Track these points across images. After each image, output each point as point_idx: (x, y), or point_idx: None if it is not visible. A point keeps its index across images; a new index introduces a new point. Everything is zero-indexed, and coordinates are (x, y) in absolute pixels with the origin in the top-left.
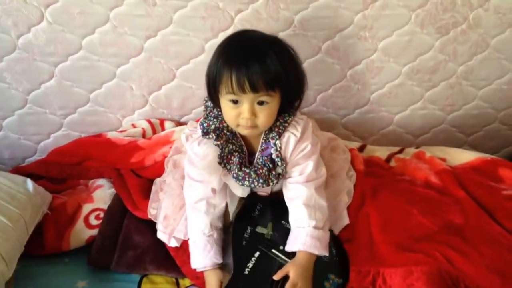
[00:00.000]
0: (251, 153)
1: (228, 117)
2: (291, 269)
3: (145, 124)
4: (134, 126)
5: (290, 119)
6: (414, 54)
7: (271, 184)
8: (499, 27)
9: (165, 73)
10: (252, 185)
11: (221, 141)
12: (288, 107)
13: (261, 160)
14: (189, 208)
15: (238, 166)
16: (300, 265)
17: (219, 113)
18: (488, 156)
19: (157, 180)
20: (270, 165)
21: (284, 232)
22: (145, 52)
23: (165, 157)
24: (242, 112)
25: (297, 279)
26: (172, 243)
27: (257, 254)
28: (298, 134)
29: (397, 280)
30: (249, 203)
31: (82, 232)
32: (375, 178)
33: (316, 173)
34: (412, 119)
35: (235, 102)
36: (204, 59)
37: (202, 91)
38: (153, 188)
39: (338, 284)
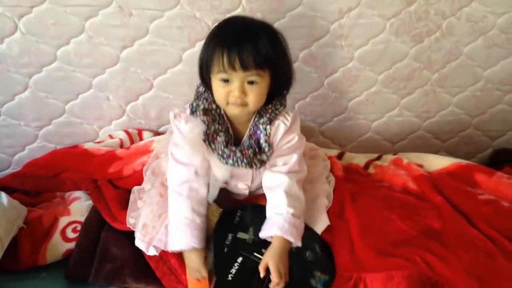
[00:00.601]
0: (237, 137)
1: (219, 95)
2: (269, 260)
3: (122, 135)
4: (111, 136)
5: (281, 108)
6: (390, 62)
7: (254, 167)
8: (471, 35)
9: (142, 83)
10: (236, 165)
11: (208, 118)
12: (278, 94)
13: (248, 143)
14: (171, 192)
15: (224, 144)
16: (277, 253)
17: (210, 96)
18: (463, 162)
19: (135, 189)
20: (256, 149)
21: None
22: (122, 62)
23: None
24: (233, 90)
25: (277, 267)
26: (151, 252)
27: (239, 259)
28: (288, 124)
29: (378, 285)
30: (229, 210)
31: (59, 245)
32: (354, 184)
33: (299, 167)
34: (389, 126)
35: (226, 81)
36: (181, 69)
37: (179, 101)
38: (131, 197)
39: (325, 281)
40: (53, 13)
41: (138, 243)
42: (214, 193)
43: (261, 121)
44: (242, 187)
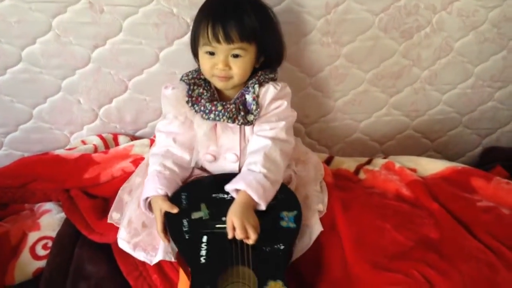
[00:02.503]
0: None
1: (204, 67)
2: (233, 217)
3: (96, 140)
4: (84, 142)
5: (271, 75)
6: (378, 59)
7: (236, 122)
8: (462, 30)
9: (116, 85)
10: (217, 118)
11: (192, 82)
12: (268, 68)
13: (233, 102)
14: (150, 155)
15: (207, 100)
16: (239, 208)
17: (199, 68)
18: (459, 166)
19: (124, 186)
20: (241, 107)
21: (219, 203)
22: (93, 63)
23: (125, 172)
24: (217, 63)
25: (241, 221)
26: (138, 255)
27: (204, 239)
28: (279, 88)
29: None
30: (172, 197)
31: (28, 264)
32: (345, 192)
33: (286, 135)
34: (377, 126)
35: (211, 53)
36: (158, 69)
37: (157, 103)
38: (119, 193)
39: (294, 216)
40: (17, 10)
41: (122, 244)
42: (199, 156)
43: (250, 82)
44: (231, 158)
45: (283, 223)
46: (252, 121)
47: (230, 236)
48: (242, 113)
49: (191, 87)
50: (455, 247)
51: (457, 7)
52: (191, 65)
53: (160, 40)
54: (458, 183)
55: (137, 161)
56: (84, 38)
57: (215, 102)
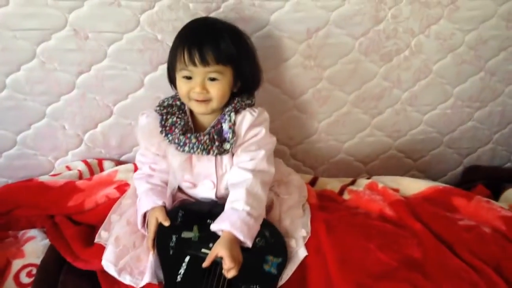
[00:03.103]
0: (200, 130)
1: (182, 92)
2: (220, 249)
3: (81, 166)
4: (69, 168)
5: (248, 101)
6: (360, 81)
7: (211, 153)
8: (440, 53)
9: (101, 110)
10: (191, 151)
11: (165, 111)
12: (245, 93)
13: (207, 131)
14: (134, 180)
15: (181, 132)
16: (226, 243)
17: (176, 93)
18: (440, 185)
19: (114, 208)
20: (216, 136)
21: (210, 229)
22: (78, 89)
23: (109, 199)
24: (194, 86)
25: (230, 252)
26: (125, 279)
27: (187, 259)
28: (255, 114)
29: None
30: (170, 211)
31: None
32: (329, 212)
33: (267, 165)
34: (360, 147)
35: (188, 78)
36: (143, 94)
37: None
38: (109, 214)
39: (278, 263)
40: (1, 38)
41: (107, 266)
42: (175, 183)
43: (226, 109)
44: (208, 185)
45: (266, 267)
46: (228, 149)
47: (205, 264)
48: (217, 143)
49: (164, 116)
50: (438, 267)
51: (434, 31)
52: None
53: (145, 65)
54: (440, 202)
55: (121, 187)
56: (68, 64)
57: (188, 135)
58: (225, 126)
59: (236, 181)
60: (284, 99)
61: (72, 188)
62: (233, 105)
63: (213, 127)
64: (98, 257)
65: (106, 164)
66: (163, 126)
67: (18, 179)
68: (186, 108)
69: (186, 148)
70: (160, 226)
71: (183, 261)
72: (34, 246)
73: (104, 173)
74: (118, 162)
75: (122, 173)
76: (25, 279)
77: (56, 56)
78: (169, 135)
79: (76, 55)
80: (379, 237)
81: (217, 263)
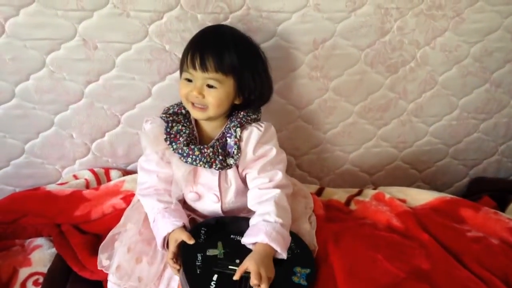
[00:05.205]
0: (206, 141)
1: (181, 93)
2: (249, 263)
3: (88, 175)
4: (76, 177)
5: (253, 116)
6: (365, 92)
7: (214, 166)
8: (446, 64)
9: (109, 119)
10: (194, 163)
11: (171, 118)
12: (251, 107)
13: (212, 144)
14: (139, 196)
15: (185, 142)
16: (258, 256)
17: (181, 101)
18: (447, 196)
19: (114, 231)
20: (220, 150)
21: (236, 245)
22: (86, 98)
23: (116, 209)
24: (192, 90)
25: (258, 268)
26: None
27: (215, 277)
28: (262, 129)
29: None
30: (192, 230)
31: None
32: (336, 223)
33: (286, 181)
34: (366, 157)
35: (189, 80)
36: (151, 103)
37: None
38: (109, 233)
39: (307, 274)
40: (11, 48)
41: (112, 287)
42: (178, 192)
43: (232, 125)
44: (212, 198)
45: (295, 279)
46: (231, 165)
47: (236, 277)
48: (221, 157)
49: (169, 124)
50: (446, 278)
51: (440, 43)
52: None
53: (153, 75)
54: (447, 213)
55: (128, 197)
56: (77, 74)
57: (192, 146)
58: (230, 141)
59: (262, 199)
60: (290, 109)
61: (79, 198)
62: (238, 120)
63: (217, 139)
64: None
65: (113, 173)
66: (168, 133)
67: (26, 187)
68: (191, 117)
69: (189, 160)
70: (184, 246)
71: (212, 280)
72: (41, 255)
73: (111, 183)
74: (125, 172)
75: (128, 183)
76: None
77: (65, 65)
78: (173, 144)
79: (84, 65)
80: (387, 247)
81: (246, 278)
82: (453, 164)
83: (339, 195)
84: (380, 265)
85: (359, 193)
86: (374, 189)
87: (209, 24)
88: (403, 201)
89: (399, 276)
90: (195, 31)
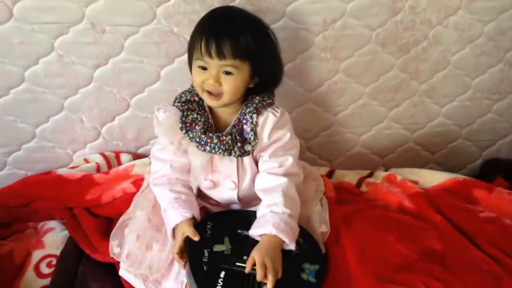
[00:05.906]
0: (222, 128)
1: (195, 82)
2: (255, 254)
3: (99, 158)
4: (86, 161)
5: (269, 101)
6: (376, 73)
7: (233, 154)
8: (459, 44)
9: (118, 103)
10: (213, 151)
11: (185, 107)
12: (264, 90)
13: (229, 131)
14: (152, 186)
15: (202, 131)
16: (265, 247)
17: (193, 88)
18: (460, 177)
19: (124, 218)
20: (238, 137)
21: (243, 240)
22: (95, 82)
23: (126, 193)
24: (207, 78)
25: (262, 259)
26: (137, 285)
27: (222, 274)
28: (278, 114)
29: None
30: (197, 225)
31: (33, 282)
32: (347, 205)
33: (297, 169)
34: (377, 139)
35: (203, 68)
36: (159, 87)
37: None
38: (120, 220)
39: (315, 271)
40: (20, 32)
41: (124, 273)
42: (195, 183)
43: (247, 110)
44: (229, 185)
45: (304, 276)
46: (249, 151)
47: (247, 270)
48: (239, 144)
49: (185, 113)
50: (459, 258)
51: (453, 21)
52: (191, 82)
53: (161, 58)
54: (460, 194)
55: (138, 181)
56: (86, 57)
57: (210, 134)
58: (247, 127)
59: (270, 186)
60: (300, 91)
61: (90, 182)
62: (254, 105)
63: (234, 126)
64: None
65: (123, 157)
66: (183, 122)
67: (37, 171)
68: (205, 104)
69: (208, 148)
70: (190, 241)
71: (219, 277)
72: (54, 237)
73: (121, 167)
74: (135, 155)
75: (138, 167)
76: (45, 270)
77: (73, 49)
78: (189, 132)
79: (93, 48)
80: (399, 229)
81: (254, 275)
82: (466, 145)
83: (350, 177)
84: (392, 247)
85: (370, 175)
86: (386, 170)
87: (217, 5)
88: (415, 182)
89: (411, 257)
90: (203, 12)
